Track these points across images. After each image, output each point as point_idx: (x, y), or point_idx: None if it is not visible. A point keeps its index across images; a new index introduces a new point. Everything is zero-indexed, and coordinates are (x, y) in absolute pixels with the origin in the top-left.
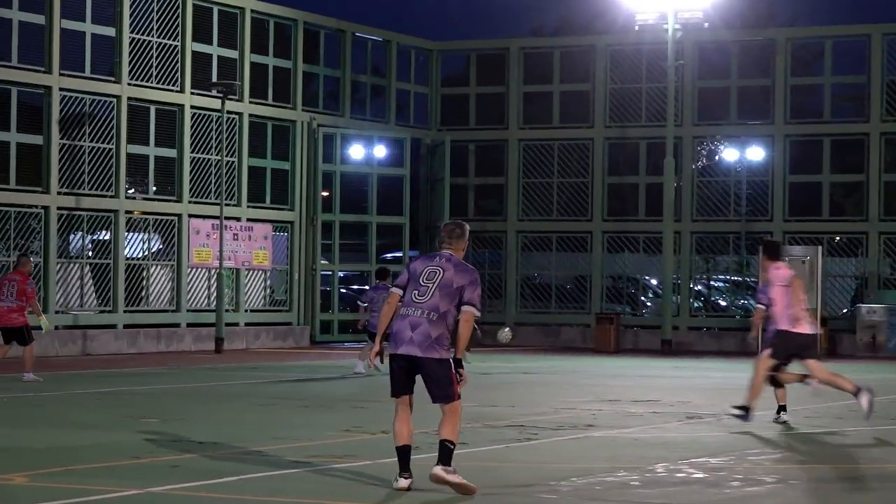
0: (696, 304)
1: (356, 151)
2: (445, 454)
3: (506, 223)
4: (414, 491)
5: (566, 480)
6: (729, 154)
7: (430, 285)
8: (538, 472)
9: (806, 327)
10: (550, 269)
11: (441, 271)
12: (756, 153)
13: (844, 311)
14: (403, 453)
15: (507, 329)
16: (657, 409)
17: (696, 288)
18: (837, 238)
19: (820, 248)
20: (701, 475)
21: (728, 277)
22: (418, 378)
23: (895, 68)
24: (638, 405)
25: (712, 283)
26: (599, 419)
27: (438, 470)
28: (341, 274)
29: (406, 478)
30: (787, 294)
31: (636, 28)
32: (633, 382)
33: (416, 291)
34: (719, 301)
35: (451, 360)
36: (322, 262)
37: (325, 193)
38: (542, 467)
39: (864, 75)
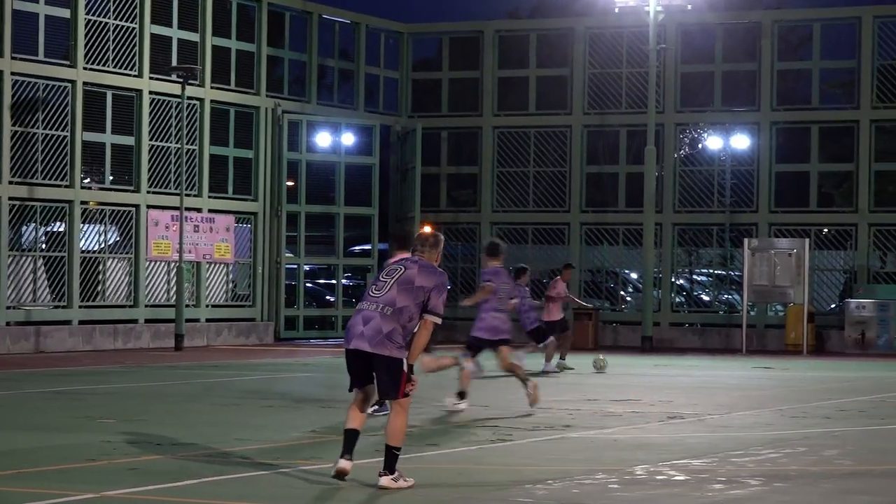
0: (678, 299)
1: (323, 139)
2: (390, 460)
3: (479, 214)
4: (381, 493)
5: (542, 483)
6: (713, 142)
7: (389, 280)
8: (513, 474)
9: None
10: (526, 263)
11: (402, 269)
12: (741, 141)
13: (833, 306)
14: (349, 437)
15: (601, 356)
16: (637, 408)
17: (678, 282)
18: (825, 230)
19: (807, 240)
20: (683, 477)
21: (711, 271)
22: None
23: (886, 52)
24: (617, 405)
25: (695, 277)
26: (577, 419)
27: (385, 481)
28: (307, 267)
29: (347, 459)
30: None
31: (616, 10)
32: (613, 381)
33: (374, 286)
34: (702, 296)
35: (403, 361)
36: (287, 255)
37: (290, 183)
38: (517, 469)
39: (854, 60)
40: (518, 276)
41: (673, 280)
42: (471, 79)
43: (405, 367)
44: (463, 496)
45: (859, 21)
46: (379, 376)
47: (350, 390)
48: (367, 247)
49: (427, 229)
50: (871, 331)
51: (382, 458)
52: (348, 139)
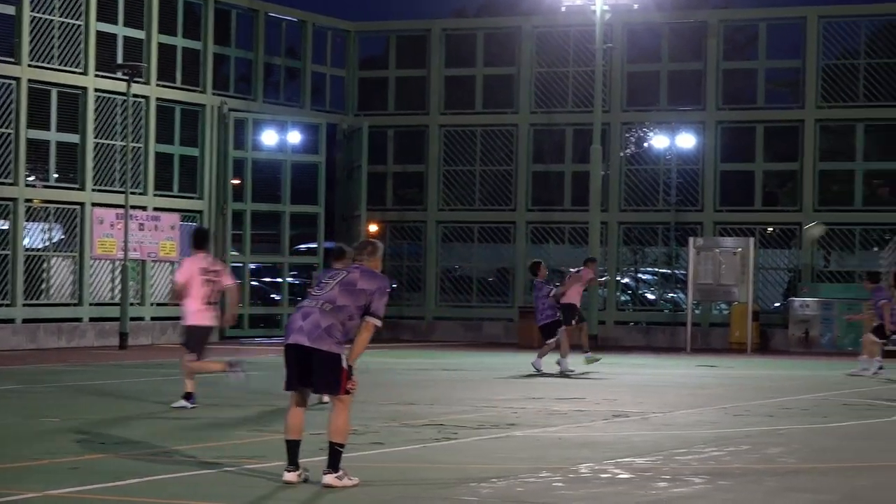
0: (623, 298)
1: (269, 137)
2: (334, 458)
3: (426, 213)
4: (326, 491)
5: (487, 482)
6: (658, 141)
7: (332, 282)
8: (457, 473)
9: (200, 319)
10: (472, 261)
11: (345, 273)
12: (687, 140)
13: (777, 304)
14: (291, 447)
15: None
16: (582, 407)
17: (623, 281)
18: (770, 229)
19: (752, 239)
20: (627, 476)
21: (657, 270)
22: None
23: (831, 52)
24: (562, 403)
25: (640, 275)
26: (522, 418)
27: (329, 479)
28: (253, 266)
29: (291, 471)
30: (200, 286)
31: (563, 9)
32: (558, 379)
33: (317, 287)
34: (647, 294)
35: (342, 357)
36: (232, 253)
37: (235, 181)
38: (462, 468)
39: (799, 60)
40: (535, 272)
41: (618, 279)
42: (417, 77)
43: (344, 364)
44: (408, 495)
45: (804, 21)
46: (318, 373)
47: (286, 389)
48: (314, 245)
49: (373, 228)
50: (814, 329)
51: (326, 457)
52: (294, 137)
